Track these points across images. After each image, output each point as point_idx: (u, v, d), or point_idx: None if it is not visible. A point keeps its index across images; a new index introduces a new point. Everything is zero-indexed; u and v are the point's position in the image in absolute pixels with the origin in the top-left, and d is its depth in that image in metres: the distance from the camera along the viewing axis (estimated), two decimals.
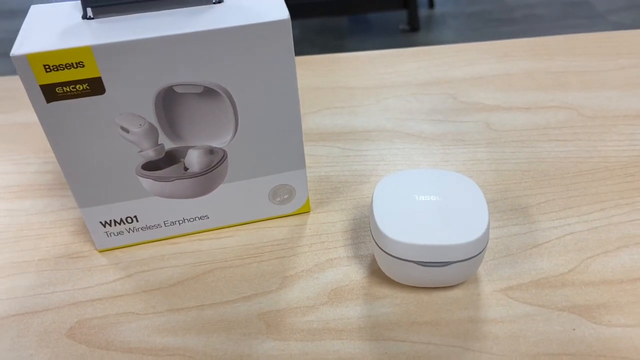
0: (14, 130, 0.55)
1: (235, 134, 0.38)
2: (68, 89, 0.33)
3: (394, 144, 0.50)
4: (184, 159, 0.38)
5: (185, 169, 0.39)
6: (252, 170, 0.40)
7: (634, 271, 0.38)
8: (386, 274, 0.38)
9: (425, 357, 0.34)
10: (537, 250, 0.40)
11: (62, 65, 0.32)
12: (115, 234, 0.41)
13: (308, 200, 0.44)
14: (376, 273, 0.39)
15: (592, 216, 0.42)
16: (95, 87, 0.34)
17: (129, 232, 0.41)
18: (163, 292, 0.39)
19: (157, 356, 0.35)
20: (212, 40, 0.34)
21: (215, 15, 0.35)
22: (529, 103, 0.54)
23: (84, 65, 0.33)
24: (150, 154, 0.37)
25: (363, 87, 0.58)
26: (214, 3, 0.36)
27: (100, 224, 0.40)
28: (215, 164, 0.39)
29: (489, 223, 0.36)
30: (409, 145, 0.50)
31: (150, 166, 0.38)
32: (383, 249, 0.36)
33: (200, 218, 0.42)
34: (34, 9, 0.36)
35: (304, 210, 0.44)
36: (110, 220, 0.40)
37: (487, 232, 0.35)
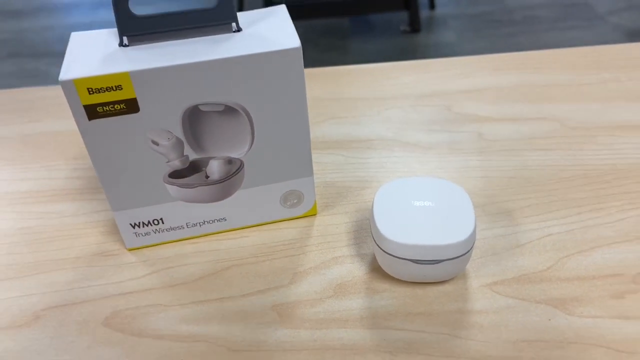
0: (42, 138, 0.58)
1: (251, 146, 0.42)
2: (107, 108, 0.37)
3: (393, 152, 0.53)
4: (205, 168, 0.42)
5: (207, 177, 0.42)
6: (265, 178, 0.44)
7: (605, 269, 0.41)
8: (385, 270, 0.41)
9: (419, 343, 0.37)
10: (520, 249, 0.43)
11: (103, 88, 0.36)
12: (143, 234, 0.44)
13: (315, 204, 0.47)
14: (376, 270, 0.42)
15: (570, 219, 0.45)
16: (131, 106, 0.37)
17: (155, 233, 0.45)
18: (187, 287, 0.42)
19: (184, 342, 0.38)
20: (232, 65, 0.37)
21: (234, 43, 0.38)
22: (517, 114, 0.57)
23: (122, 88, 0.36)
24: (177, 163, 0.41)
25: (366, 99, 0.61)
26: (234, 32, 0.40)
27: (130, 225, 0.44)
28: (233, 173, 0.43)
29: (475, 225, 0.39)
30: (407, 153, 0.53)
31: (175, 174, 0.42)
32: (382, 248, 0.39)
33: (219, 220, 0.45)
34: (74, 36, 0.40)
35: (312, 213, 0.47)
36: (139, 222, 0.43)
37: (473, 234, 0.38)
